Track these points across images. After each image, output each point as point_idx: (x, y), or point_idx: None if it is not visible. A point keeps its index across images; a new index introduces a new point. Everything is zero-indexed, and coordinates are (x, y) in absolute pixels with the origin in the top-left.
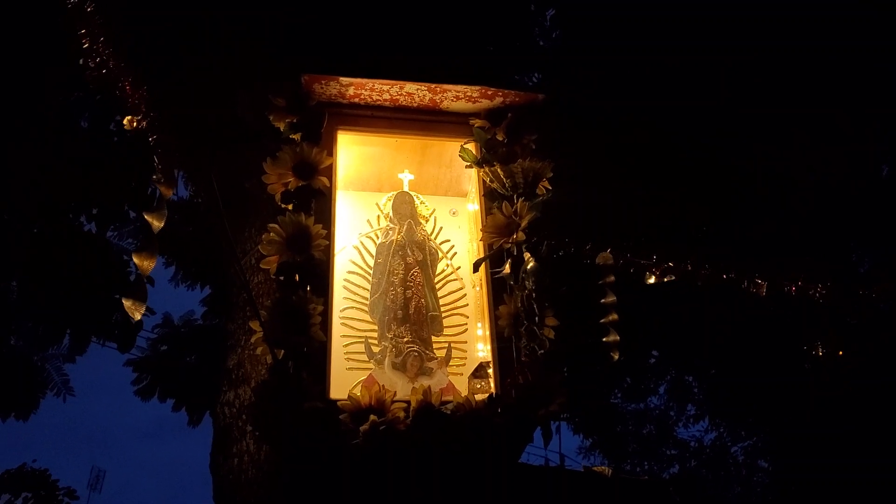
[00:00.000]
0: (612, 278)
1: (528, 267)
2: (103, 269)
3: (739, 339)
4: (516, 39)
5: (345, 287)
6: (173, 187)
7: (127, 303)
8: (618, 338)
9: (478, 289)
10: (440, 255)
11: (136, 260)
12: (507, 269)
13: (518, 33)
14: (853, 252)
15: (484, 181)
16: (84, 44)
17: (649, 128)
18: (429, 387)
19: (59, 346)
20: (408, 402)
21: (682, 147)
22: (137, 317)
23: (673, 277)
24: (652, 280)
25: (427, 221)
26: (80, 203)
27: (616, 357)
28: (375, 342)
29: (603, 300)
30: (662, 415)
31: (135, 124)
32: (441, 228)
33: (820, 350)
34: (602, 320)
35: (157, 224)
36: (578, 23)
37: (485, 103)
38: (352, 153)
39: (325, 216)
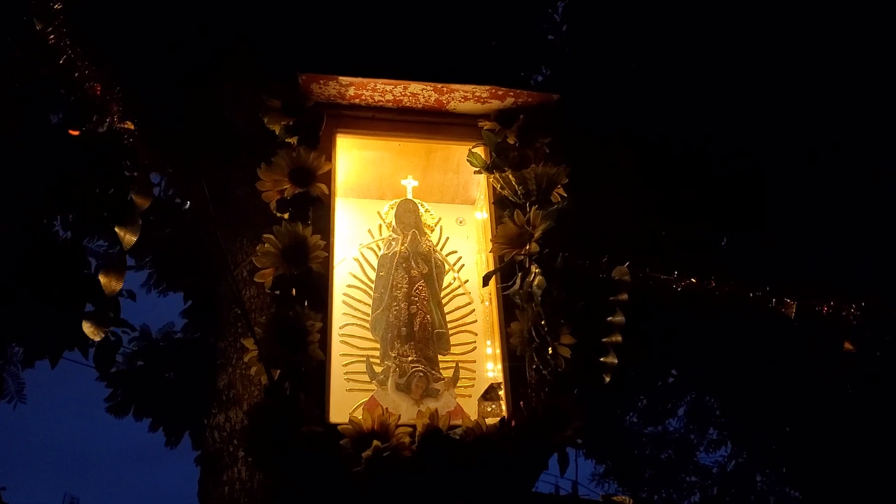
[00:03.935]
0: (626, 296)
1: (535, 282)
2: (78, 280)
3: (762, 350)
4: (525, 33)
5: (344, 302)
6: (149, 197)
7: (87, 326)
8: (616, 361)
9: (487, 304)
10: (447, 267)
11: (102, 280)
12: (516, 285)
13: (527, 26)
14: (857, 259)
15: (494, 188)
16: (50, 41)
17: (659, 133)
18: (435, 410)
19: (15, 356)
20: (413, 427)
21: (691, 152)
22: (97, 338)
23: (692, 297)
24: (673, 296)
25: (432, 231)
26: (54, 206)
27: (608, 380)
28: (378, 361)
29: (610, 318)
30: (682, 438)
31: (105, 127)
32: (447, 239)
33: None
34: (605, 339)
35: (129, 239)
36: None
37: (495, 104)
38: (352, 158)
39: (324, 225)
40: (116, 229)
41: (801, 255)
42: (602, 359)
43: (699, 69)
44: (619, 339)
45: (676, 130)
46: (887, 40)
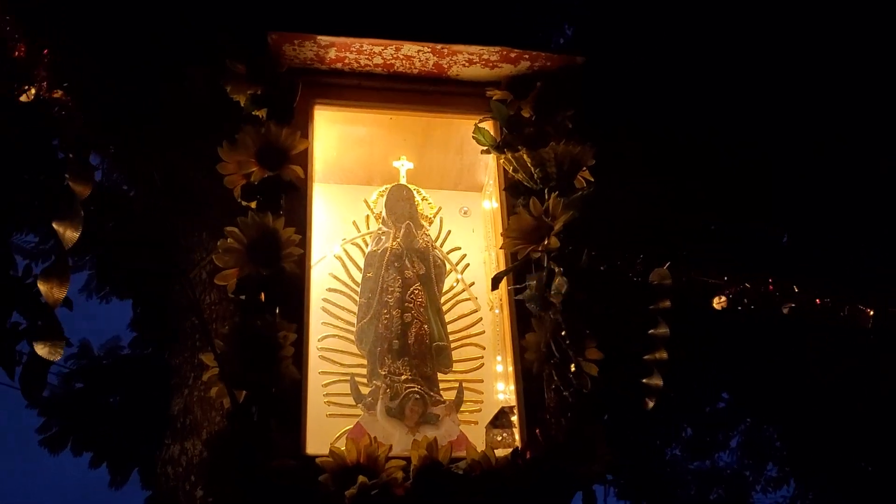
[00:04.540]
0: (668, 304)
1: (555, 285)
2: (2, 283)
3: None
4: None
5: (324, 309)
6: (89, 183)
7: (40, 347)
8: (661, 382)
9: (497, 311)
10: (448, 267)
11: (42, 288)
12: (531, 287)
13: None
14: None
15: (505, 171)
16: None
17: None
18: (434, 439)
19: None
20: (407, 459)
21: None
22: (55, 358)
23: (749, 303)
24: (722, 304)
25: (431, 223)
26: None
27: (651, 405)
28: (364, 381)
29: (652, 331)
30: (735, 476)
31: (32, 97)
32: (449, 232)
33: None
34: (647, 357)
35: (70, 235)
36: None
37: (506, 69)
38: (333, 135)
39: (299, 217)
40: (54, 225)
41: (807, 247)
42: (645, 380)
43: (705, 60)
44: (665, 355)
45: (682, 121)
46: (893, 31)
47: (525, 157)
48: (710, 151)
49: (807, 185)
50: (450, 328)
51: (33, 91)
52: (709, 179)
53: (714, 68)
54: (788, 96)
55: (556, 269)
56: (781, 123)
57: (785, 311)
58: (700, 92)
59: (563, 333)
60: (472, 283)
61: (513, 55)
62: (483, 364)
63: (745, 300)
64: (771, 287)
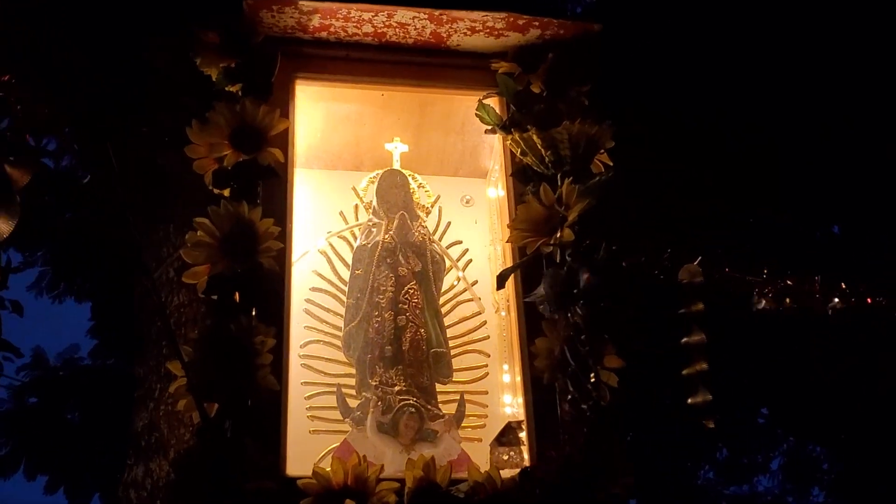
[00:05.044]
0: (701, 306)
1: (581, 283)
2: None
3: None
4: None
5: (307, 311)
6: (31, 169)
7: None
8: (710, 397)
9: (504, 313)
10: (448, 263)
11: None
12: (543, 287)
13: None
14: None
15: (513, 154)
16: None
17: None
18: (432, 458)
19: None
20: (402, 481)
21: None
22: None
23: (791, 302)
24: (762, 305)
25: (428, 214)
26: None
27: (710, 425)
28: (353, 392)
29: (686, 339)
30: (776, 501)
31: None
32: (449, 224)
33: None
34: (686, 371)
35: (3, 227)
36: None
37: (514, 38)
38: (317, 113)
39: (279, 206)
40: None
41: (814, 233)
42: (691, 399)
43: (712, 43)
44: (706, 365)
45: (690, 105)
46: None
47: (535, 137)
48: (717, 136)
49: (814, 170)
50: (450, 332)
51: None
52: (716, 165)
53: (721, 51)
54: (795, 81)
55: (571, 266)
56: (788, 108)
57: (830, 311)
58: (707, 75)
59: (580, 338)
60: (475, 282)
61: (521, 22)
62: (487, 373)
63: (788, 299)
64: (817, 285)
